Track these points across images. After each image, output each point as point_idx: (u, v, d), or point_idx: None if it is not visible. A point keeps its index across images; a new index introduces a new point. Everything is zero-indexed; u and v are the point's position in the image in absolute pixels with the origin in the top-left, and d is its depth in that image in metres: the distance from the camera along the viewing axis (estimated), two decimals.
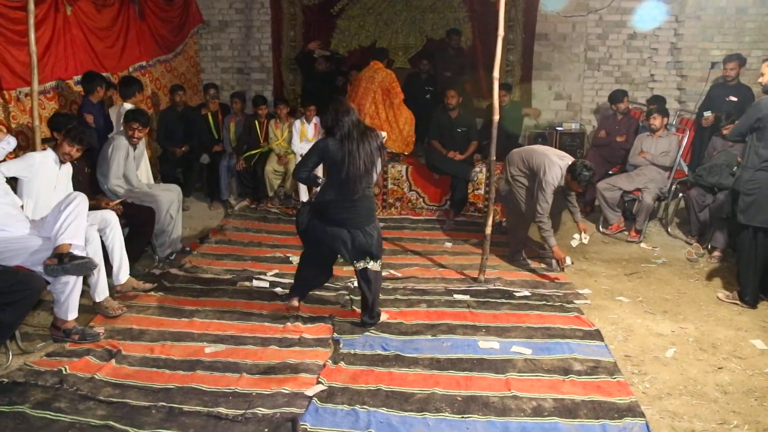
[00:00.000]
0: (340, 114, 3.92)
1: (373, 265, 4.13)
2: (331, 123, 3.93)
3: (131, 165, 5.34)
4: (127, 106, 5.74)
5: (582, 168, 4.91)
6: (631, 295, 4.88)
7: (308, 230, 4.16)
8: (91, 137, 5.02)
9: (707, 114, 6.42)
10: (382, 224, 6.59)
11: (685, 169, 6.60)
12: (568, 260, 5.24)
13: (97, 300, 4.43)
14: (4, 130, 4.44)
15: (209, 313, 4.52)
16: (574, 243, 5.31)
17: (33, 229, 4.00)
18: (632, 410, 3.30)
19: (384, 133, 4.09)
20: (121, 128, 5.38)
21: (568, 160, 5.12)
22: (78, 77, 5.91)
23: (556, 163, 5.06)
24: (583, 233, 5.24)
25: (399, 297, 4.80)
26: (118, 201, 5.06)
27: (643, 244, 6.06)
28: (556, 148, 7.71)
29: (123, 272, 4.67)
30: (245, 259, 5.61)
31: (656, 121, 6.33)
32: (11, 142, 4.28)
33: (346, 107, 3.96)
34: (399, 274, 5.27)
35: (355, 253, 4.11)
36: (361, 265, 4.12)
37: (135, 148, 5.37)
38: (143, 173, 5.72)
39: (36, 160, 4.35)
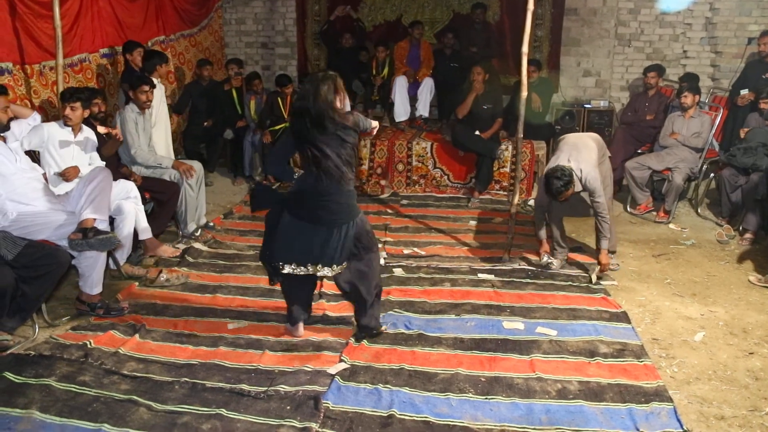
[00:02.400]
0: (308, 96, 3.27)
1: (333, 271, 3.53)
2: (298, 104, 3.33)
3: (142, 135, 5.29)
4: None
5: (551, 173, 4.47)
6: (659, 277, 4.79)
7: (277, 226, 3.55)
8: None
9: (744, 92, 6.23)
10: (405, 201, 6.64)
11: (717, 148, 6.43)
12: (552, 261, 4.86)
13: (144, 237, 4.79)
14: (27, 105, 4.46)
15: (232, 289, 4.53)
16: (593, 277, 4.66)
17: (58, 204, 4.02)
18: (660, 395, 3.24)
19: (375, 123, 3.69)
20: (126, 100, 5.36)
21: (579, 164, 4.55)
22: (104, 50, 5.90)
23: (561, 161, 4.59)
24: (596, 270, 4.66)
25: (423, 275, 4.76)
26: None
27: (671, 225, 5.93)
28: (583, 125, 7.64)
29: (121, 259, 4.64)
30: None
31: (687, 99, 6.15)
32: (37, 119, 4.33)
33: (318, 87, 3.26)
34: (423, 252, 5.22)
35: (312, 258, 3.49)
36: (321, 271, 3.52)
37: (144, 117, 5.28)
38: (162, 146, 5.69)
39: (44, 132, 4.37)
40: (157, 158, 5.31)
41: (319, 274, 3.53)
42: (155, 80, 5.69)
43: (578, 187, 4.57)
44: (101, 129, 4.74)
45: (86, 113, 4.54)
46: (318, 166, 3.31)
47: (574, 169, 4.51)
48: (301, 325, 3.87)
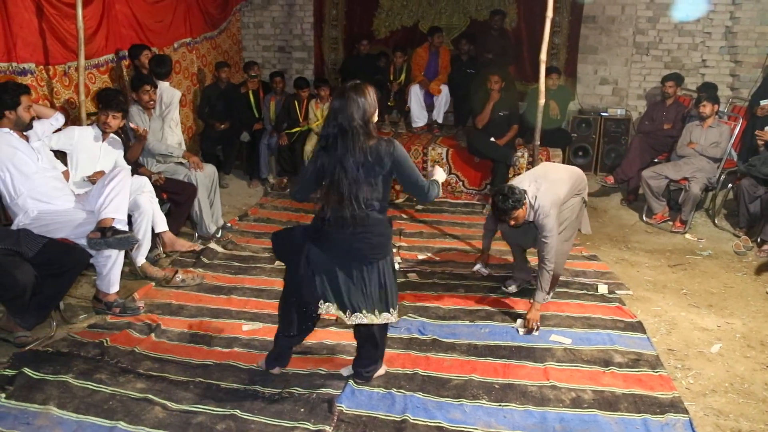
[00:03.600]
0: (333, 111, 2.93)
1: (372, 319, 3.09)
2: (334, 120, 2.93)
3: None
4: (165, 85, 5.71)
5: (500, 189, 3.98)
6: (674, 287, 4.75)
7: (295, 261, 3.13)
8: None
9: (764, 102, 6.18)
10: (420, 207, 6.62)
11: (736, 158, 6.38)
12: (481, 268, 4.72)
13: (160, 230, 4.78)
14: (48, 105, 4.53)
15: (247, 290, 4.55)
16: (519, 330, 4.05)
17: (77, 203, 4.08)
18: (675, 406, 3.22)
19: (441, 176, 3.26)
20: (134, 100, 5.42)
21: (537, 193, 4.02)
22: (123, 52, 5.97)
23: (522, 183, 4.12)
24: (522, 324, 4.07)
25: (437, 281, 4.76)
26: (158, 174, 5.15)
27: (688, 235, 5.89)
28: (600, 134, 7.60)
29: (141, 255, 4.67)
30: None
31: (706, 108, 6.11)
32: (59, 119, 4.39)
33: (344, 102, 2.89)
34: (437, 258, 5.22)
35: (343, 300, 3.07)
36: (353, 319, 3.08)
37: (150, 117, 5.33)
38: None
39: (75, 134, 4.46)
40: (168, 147, 5.41)
41: (350, 321, 3.09)
42: (167, 85, 5.73)
43: (529, 217, 4.02)
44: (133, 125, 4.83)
45: (122, 123, 4.63)
46: (329, 187, 2.94)
47: (529, 195, 3.99)
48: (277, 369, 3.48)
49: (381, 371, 3.46)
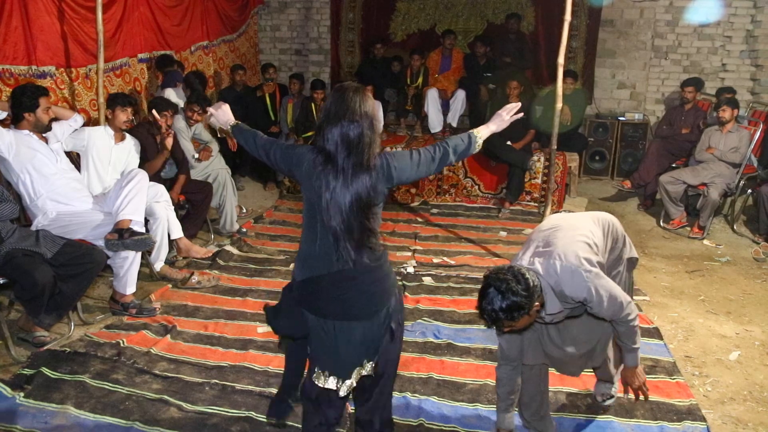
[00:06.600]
0: (331, 115, 2.26)
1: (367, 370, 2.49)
2: (319, 121, 2.32)
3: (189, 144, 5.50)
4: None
5: (489, 280, 2.40)
6: (692, 293, 4.70)
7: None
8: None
9: None
10: (435, 210, 6.61)
11: (756, 164, 6.31)
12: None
13: (175, 237, 4.86)
14: (67, 107, 4.57)
15: (262, 293, 4.56)
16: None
17: (95, 205, 4.12)
18: (692, 413, 3.19)
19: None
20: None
21: (550, 259, 2.50)
22: (142, 55, 6.03)
23: (521, 259, 2.62)
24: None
25: (452, 285, 4.74)
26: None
27: (706, 241, 5.83)
28: (617, 138, 7.55)
29: (159, 261, 4.71)
30: (299, 241, 5.60)
31: (726, 113, 6.04)
32: (78, 120, 4.42)
33: (348, 105, 2.23)
34: (452, 262, 5.21)
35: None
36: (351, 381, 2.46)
37: (190, 129, 5.53)
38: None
39: (85, 134, 4.45)
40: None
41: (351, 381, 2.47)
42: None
43: (553, 307, 2.51)
44: (156, 115, 4.78)
45: (130, 118, 4.65)
46: (323, 219, 2.36)
47: (541, 271, 2.48)
48: None
49: None
